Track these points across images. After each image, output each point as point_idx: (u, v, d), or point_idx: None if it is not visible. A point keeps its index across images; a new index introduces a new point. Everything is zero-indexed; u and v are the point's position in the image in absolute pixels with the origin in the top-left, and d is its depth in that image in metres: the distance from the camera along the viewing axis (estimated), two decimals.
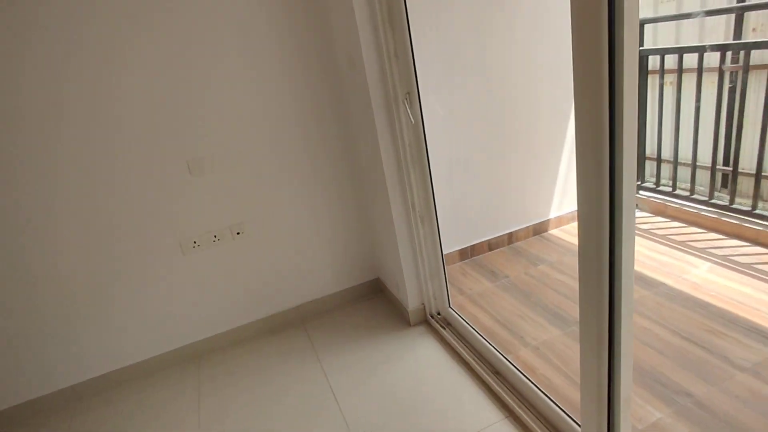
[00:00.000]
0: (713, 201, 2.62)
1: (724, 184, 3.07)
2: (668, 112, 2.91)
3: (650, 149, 3.16)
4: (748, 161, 2.68)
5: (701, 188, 2.79)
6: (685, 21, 3.05)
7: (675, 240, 2.54)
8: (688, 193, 2.76)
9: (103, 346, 2.13)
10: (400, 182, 2.01)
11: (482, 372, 1.81)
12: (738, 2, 2.82)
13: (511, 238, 2.82)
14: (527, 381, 1.64)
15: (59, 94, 1.78)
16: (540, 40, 2.52)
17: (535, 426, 1.52)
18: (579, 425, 1.37)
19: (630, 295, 1.06)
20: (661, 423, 1.53)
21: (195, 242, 2.13)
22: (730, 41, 2.91)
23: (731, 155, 2.66)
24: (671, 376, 1.70)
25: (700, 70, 2.58)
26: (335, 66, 2.15)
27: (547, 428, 1.50)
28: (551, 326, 2.06)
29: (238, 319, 2.34)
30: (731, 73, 2.80)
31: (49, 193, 1.86)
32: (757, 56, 2.58)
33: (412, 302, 2.21)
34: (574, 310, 2.13)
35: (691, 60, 2.70)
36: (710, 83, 2.99)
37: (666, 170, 3.09)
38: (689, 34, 3.05)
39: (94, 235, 1.97)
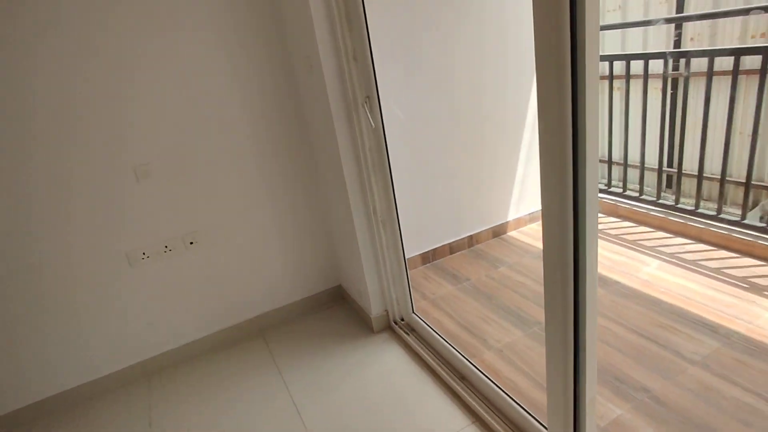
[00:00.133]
0: (660, 201, 2.74)
1: (669, 185, 3.23)
2: (617, 116, 3.03)
3: (601, 152, 3.29)
4: (690, 163, 2.84)
5: (649, 189, 2.92)
6: (629, 29, 3.20)
7: (626, 239, 2.64)
8: (637, 194, 2.88)
9: (41, 369, 1.96)
10: (361, 187, 1.97)
11: (448, 378, 1.80)
12: (676, 13, 2.98)
13: (471, 240, 2.85)
14: (493, 385, 1.64)
15: None
16: (498, 45, 2.55)
17: (502, 430, 1.52)
18: (545, 428, 1.38)
19: (594, 296, 1.07)
20: (621, 419, 1.56)
21: (144, 253, 2.00)
22: (671, 49, 3.07)
23: (675, 158, 2.80)
24: (629, 372, 1.74)
25: (645, 77, 2.70)
26: (292, 68, 2.09)
27: None
28: (513, 328, 2.08)
29: (192, 333, 2.22)
30: (673, 79, 2.95)
31: None
32: (695, 64, 2.73)
33: (375, 309, 2.17)
34: (534, 311, 2.16)
35: (637, 67, 2.82)
36: (654, 89, 3.15)
37: (616, 172, 3.21)
38: (633, 42, 3.20)
39: (19, 244, 1.81)
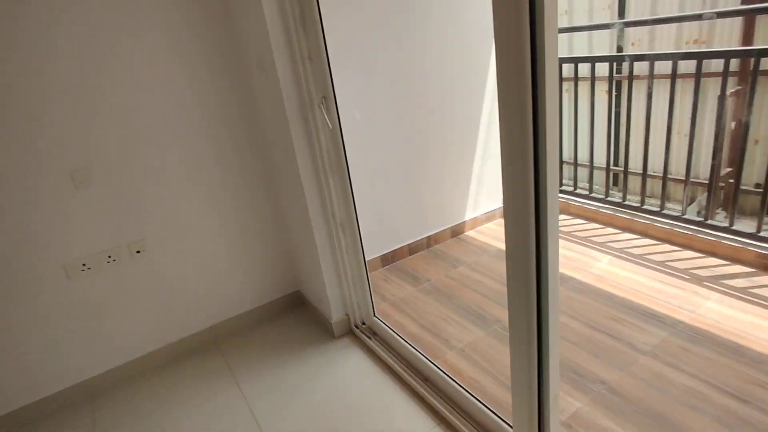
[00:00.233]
0: (609, 198, 2.86)
1: (616, 183, 3.38)
2: (567, 118, 3.14)
3: None
4: (635, 162, 2.97)
5: (598, 187, 3.04)
6: (576, 33, 3.32)
7: (578, 236, 2.73)
8: (587, 192, 2.98)
9: None
10: (318, 190, 1.92)
11: (411, 380, 1.78)
12: (619, 18, 3.12)
13: (430, 241, 2.85)
14: (456, 385, 1.64)
15: None
16: (453, 46, 2.57)
17: (467, 431, 1.52)
18: (510, 426, 1.38)
19: (556, 294, 1.08)
20: (580, 412, 1.60)
21: (84, 265, 1.86)
22: (614, 53, 3.21)
23: (621, 157, 2.94)
24: (586, 365, 1.79)
25: (593, 80, 2.81)
26: (245, 68, 2.01)
27: None
28: (474, 327, 2.10)
29: (141, 348, 2.08)
30: (617, 82, 3.08)
31: None
32: (637, 67, 2.86)
33: (335, 314, 2.13)
34: (494, 309, 2.19)
35: (584, 70, 2.93)
36: (601, 91, 3.28)
37: (567, 171, 3.32)
38: (580, 45, 3.33)
39: None
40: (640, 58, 2.66)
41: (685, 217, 2.48)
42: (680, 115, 2.82)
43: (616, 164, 3.17)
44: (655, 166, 2.94)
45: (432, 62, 2.53)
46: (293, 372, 1.98)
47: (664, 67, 2.71)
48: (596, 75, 2.83)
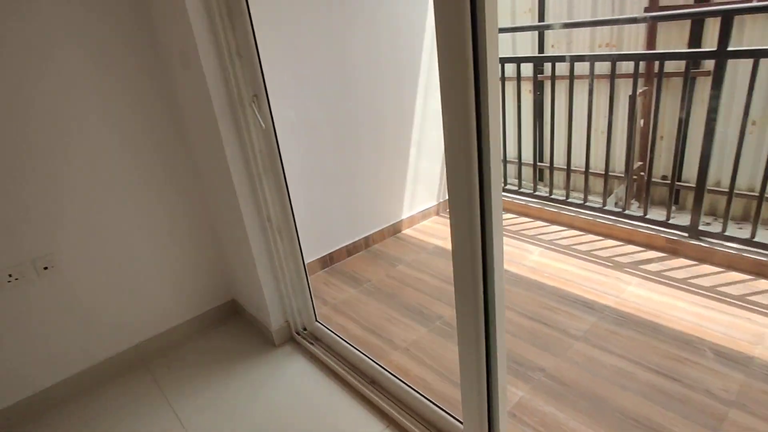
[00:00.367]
0: (536, 193, 3.00)
1: (542, 178, 3.55)
2: None
3: None
4: (559, 158, 3.14)
5: (526, 183, 3.18)
6: (500, 35, 3.45)
7: (511, 230, 2.83)
8: (516, 188, 3.11)
9: None
10: (252, 193, 1.83)
11: (357, 384, 1.75)
12: (539, 21, 3.29)
13: (368, 241, 2.83)
14: (403, 385, 1.63)
15: None
16: (389, 45, 2.56)
17: (417, 430, 1.51)
18: (461, 422, 1.39)
19: (501, 288, 1.09)
20: (523, 401, 1.65)
21: None
22: (536, 54, 3.38)
23: (545, 153, 3.09)
24: (525, 354, 1.86)
25: (518, 79, 2.93)
26: (165, 63, 1.86)
27: (429, 431, 1.50)
28: (417, 325, 2.10)
29: (52, 376, 1.86)
30: (540, 82, 3.24)
31: None
32: (559, 68, 3.03)
33: (275, 321, 2.04)
34: (435, 306, 2.21)
35: (510, 70, 3.04)
36: (527, 91, 3.43)
37: None
38: (504, 46, 3.46)
39: None
40: (561, 59, 2.82)
41: (606, 208, 2.66)
42: (597, 114, 3.02)
43: (541, 160, 3.34)
44: (577, 161, 3.13)
45: (364, 59, 2.50)
46: (231, 386, 1.87)
47: (581, 68, 2.89)
48: (521, 75, 2.95)
